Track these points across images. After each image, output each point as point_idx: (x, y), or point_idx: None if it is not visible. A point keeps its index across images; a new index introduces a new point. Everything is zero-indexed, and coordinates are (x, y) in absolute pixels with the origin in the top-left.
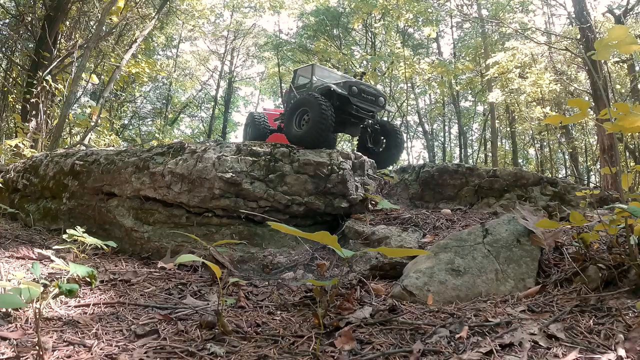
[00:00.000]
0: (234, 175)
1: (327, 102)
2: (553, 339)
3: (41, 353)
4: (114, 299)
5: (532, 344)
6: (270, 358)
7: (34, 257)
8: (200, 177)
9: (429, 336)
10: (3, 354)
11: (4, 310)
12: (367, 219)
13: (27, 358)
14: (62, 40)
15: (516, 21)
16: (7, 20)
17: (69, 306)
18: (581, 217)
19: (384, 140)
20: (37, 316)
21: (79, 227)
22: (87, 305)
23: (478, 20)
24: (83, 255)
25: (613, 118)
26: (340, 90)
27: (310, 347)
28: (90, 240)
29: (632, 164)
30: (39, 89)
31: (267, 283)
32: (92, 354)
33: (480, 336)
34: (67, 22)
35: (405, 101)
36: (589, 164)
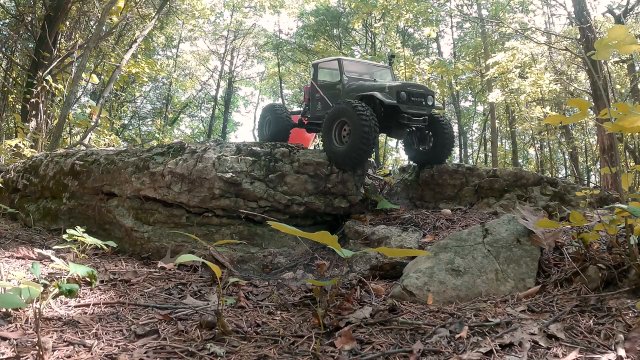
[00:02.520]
0: (234, 175)
1: (369, 110)
2: (553, 339)
3: (41, 353)
4: (114, 299)
5: (532, 344)
6: (270, 358)
7: (34, 257)
8: (200, 177)
9: (429, 336)
10: (3, 354)
11: (4, 310)
12: (367, 219)
13: (27, 358)
14: (62, 40)
15: (516, 21)
16: (7, 20)
17: (69, 306)
18: (581, 217)
19: (432, 138)
20: (37, 316)
21: (79, 227)
22: (87, 305)
23: (478, 20)
24: (83, 255)
25: (613, 118)
26: (388, 100)
27: (310, 347)
28: (90, 240)
29: (632, 164)
30: (39, 89)
31: (267, 283)
32: (92, 354)
33: (480, 336)
34: (67, 22)
35: None
36: (589, 164)
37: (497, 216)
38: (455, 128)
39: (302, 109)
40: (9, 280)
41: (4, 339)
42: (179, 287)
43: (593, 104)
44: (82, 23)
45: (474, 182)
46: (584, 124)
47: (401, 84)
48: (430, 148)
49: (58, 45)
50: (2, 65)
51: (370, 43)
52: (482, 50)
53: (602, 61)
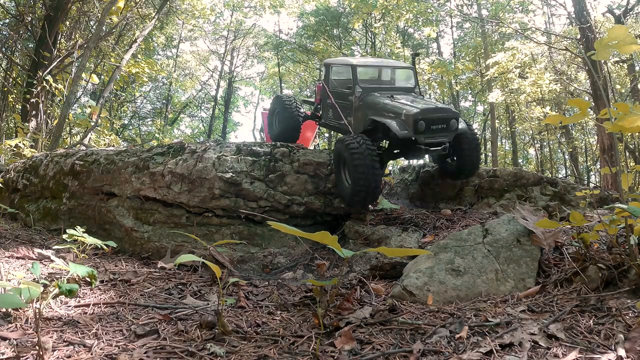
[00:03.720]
0: (234, 175)
1: (365, 145)
2: (553, 339)
3: (41, 353)
4: (114, 299)
5: (532, 344)
6: (270, 358)
7: (34, 257)
8: (200, 177)
9: (429, 336)
10: (3, 354)
11: (4, 310)
12: (367, 219)
13: (27, 358)
14: (62, 40)
15: (516, 21)
16: (7, 20)
17: (69, 306)
18: (581, 217)
19: (454, 151)
20: (37, 316)
21: (79, 227)
22: (87, 305)
23: (478, 20)
24: (83, 255)
25: (613, 118)
26: (402, 132)
27: (310, 347)
28: (90, 240)
29: (632, 164)
30: (39, 89)
31: (267, 283)
32: (92, 354)
33: (480, 336)
34: (67, 22)
35: None
36: (589, 164)
37: (497, 216)
38: None
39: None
40: (9, 280)
41: (4, 339)
42: (179, 287)
43: (593, 104)
44: (82, 23)
45: (474, 182)
46: (584, 124)
47: (421, 110)
48: (455, 163)
49: (58, 45)
50: (2, 65)
51: (370, 43)
52: (482, 50)
53: (602, 61)
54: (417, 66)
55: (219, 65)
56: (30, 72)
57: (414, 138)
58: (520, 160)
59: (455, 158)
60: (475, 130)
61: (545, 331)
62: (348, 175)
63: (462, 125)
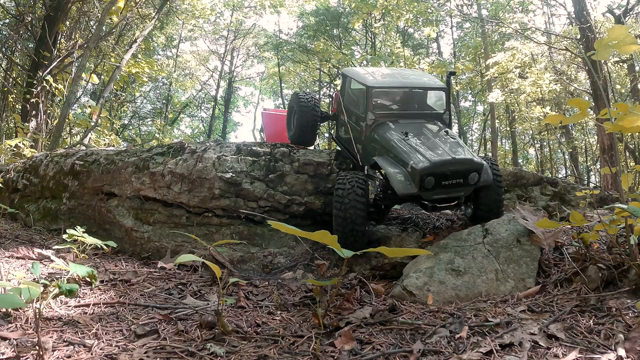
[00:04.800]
0: (234, 175)
1: (354, 193)
2: (553, 339)
3: (41, 353)
4: (114, 299)
5: (532, 344)
6: (270, 358)
7: (34, 257)
8: (200, 177)
9: (429, 336)
10: (3, 354)
11: (4, 310)
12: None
13: (27, 358)
14: (62, 40)
15: (516, 21)
16: (7, 20)
17: (69, 306)
18: (581, 217)
19: (472, 198)
20: (37, 316)
21: (79, 227)
22: (87, 305)
23: (478, 20)
24: (83, 255)
25: (613, 118)
26: (404, 190)
27: (310, 347)
28: (90, 240)
29: (632, 164)
30: (39, 89)
31: (267, 283)
32: (92, 354)
33: (480, 336)
34: (67, 22)
35: None
36: (589, 164)
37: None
38: (455, 128)
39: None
40: (9, 280)
41: (4, 339)
42: (179, 287)
43: (593, 104)
44: (82, 23)
45: None
46: (584, 124)
47: (431, 164)
48: (471, 209)
49: (58, 45)
50: (2, 65)
51: (370, 43)
52: (482, 50)
53: (602, 61)
54: (452, 85)
55: (219, 65)
56: (30, 72)
57: (419, 194)
58: (520, 160)
59: (472, 205)
60: (501, 179)
61: (545, 331)
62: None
63: (486, 177)
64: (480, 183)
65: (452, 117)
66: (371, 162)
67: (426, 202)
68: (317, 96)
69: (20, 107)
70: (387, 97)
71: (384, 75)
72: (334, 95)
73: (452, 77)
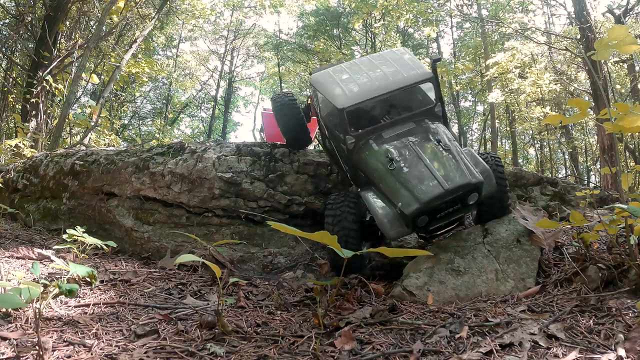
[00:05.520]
0: (234, 175)
1: (341, 216)
2: (553, 339)
3: (41, 353)
4: (114, 299)
5: (532, 344)
6: (270, 358)
7: (34, 257)
8: (200, 177)
9: (429, 336)
10: (3, 354)
11: (4, 310)
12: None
13: (27, 358)
14: (62, 40)
15: (516, 21)
16: (7, 20)
17: (69, 306)
18: (581, 217)
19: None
20: (37, 316)
21: (79, 227)
22: (87, 305)
23: (478, 20)
24: (83, 255)
25: (613, 118)
26: (394, 233)
27: (310, 347)
28: (90, 240)
29: (632, 164)
30: (39, 89)
31: (267, 283)
32: (92, 354)
33: (480, 336)
34: (67, 22)
35: None
36: (589, 164)
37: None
38: (455, 128)
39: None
40: (9, 280)
41: (4, 339)
42: (179, 287)
43: (593, 104)
44: (82, 23)
45: None
46: (584, 124)
47: (422, 205)
48: (476, 214)
49: (58, 45)
50: (2, 65)
51: (370, 43)
52: (482, 50)
53: (602, 61)
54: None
55: (219, 65)
56: (30, 72)
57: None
58: (520, 160)
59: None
60: (504, 175)
61: (545, 331)
62: None
63: (489, 187)
64: (481, 198)
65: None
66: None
67: (422, 235)
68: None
69: (20, 107)
70: (364, 110)
71: (355, 82)
72: (309, 101)
73: (437, 63)
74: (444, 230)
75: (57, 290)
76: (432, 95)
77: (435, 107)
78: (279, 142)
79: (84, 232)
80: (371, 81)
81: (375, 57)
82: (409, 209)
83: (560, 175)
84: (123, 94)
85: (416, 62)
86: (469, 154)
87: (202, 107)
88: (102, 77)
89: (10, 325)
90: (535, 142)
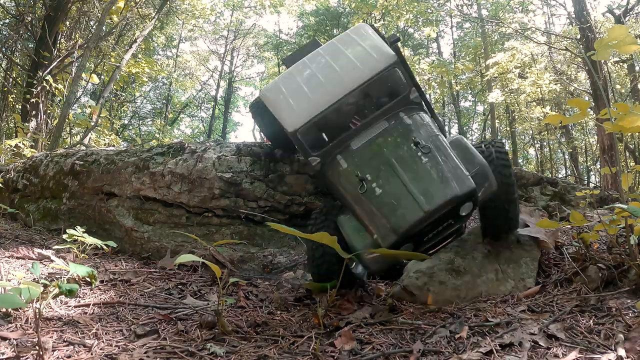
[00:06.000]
0: (234, 175)
1: (332, 261)
2: (553, 339)
3: (41, 353)
4: (114, 299)
5: (532, 344)
6: (270, 358)
7: (34, 257)
8: (200, 177)
9: (429, 336)
10: (3, 354)
11: (4, 310)
12: None
13: (27, 358)
14: (62, 40)
15: (516, 21)
16: (7, 20)
17: (69, 306)
18: (581, 217)
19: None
20: (37, 316)
21: (79, 227)
22: (87, 305)
23: (478, 20)
24: (83, 255)
25: (613, 118)
26: (378, 267)
27: (310, 347)
28: (90, 240)
29: (632, 164)
30: (39, 89)
31: (267, 283)
32: (92, 354)
33: (480, 336)
34: (67, 22)
35: None
36: (589, 164)
37: None
38: (456, 128)
39: None
40: (9, 280)
41: (4, 339)
42: (179, 287)
43: (593, 104)
44: (82, 23)
45: None
46: (584, 124)
47: (400, 235)
48: (481, 226)
49: (58, 45)
50: (2, 65)
51: None
52: (482, 50)
53: (602, 61)
54: (404, 55)
55: (219, 65)
56: (30, 72)
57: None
58: (520, 160)
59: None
60: (509, 171)
61: (545, 331)
62: None
63: (486, 188)
64: (478, 204)
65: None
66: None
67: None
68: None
69: (20, 107)
70: (325, 121)
71: (306, 91)
72: None
73: (396, 43)
74: (440, 246)
75: (57, 290)
76: (401, 82)
77: (410, 94)
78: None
79: (84, 232)
80: (323, 86)
81: (330, 48)
82: (386, 241)
83: (560, 175)
84: (123, 94)
85: (376, 44)
86: (460, 147)
87: (202, 107)
88: (102, 77)
89: (10, 325)
90: (535, 142)
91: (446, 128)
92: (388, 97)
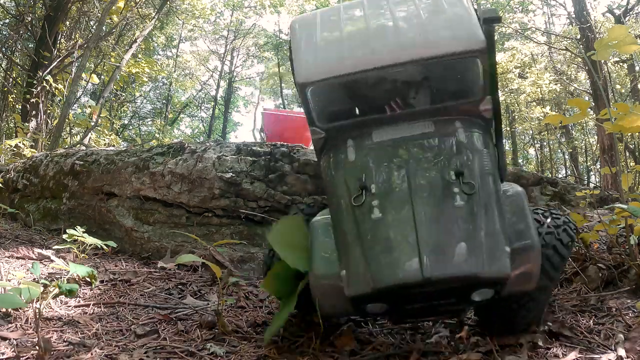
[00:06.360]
0: (234, 175)
1: None
2: (553, 339)
3: (41, 353)
4: (114, 299)
5: (532, 344)
6: (270, 358)
7: (34, 257)
8: (200, 177)
9: (429, 336)
10: (3, 354)
11: (4, 310)
12: None
13: (27, 358)
14: (62, 40)
15: (516, 21)
16: (7, 20)
17: (69, 306)
18: (581, 217)
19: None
20: (37, 316)
21: (79, 227)
22: (87, 305)
23: None
24: (83, 255)
25: (613, 118)
26: (326, 304)
27: (310, 347)
28: (90, 240)
29: (632, 164)
30: (39, 89)
31: None
32: (92, 354)
33: (480, 336)
34: (67, 22)
35: None
36: (589, 164)
37: None
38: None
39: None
40: (9, 280)
41: (4, 339)
42: (179, 287)
43: (593, 104)
44: (82, 23)
45: None
46: (584, 124)
47: (375, 290)
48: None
49: (58, 45)
50: (2, 65)
51: None
52: None
53: (602, 61)
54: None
55: (219, 65)
56: (30, 72)
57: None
58: (520, 160)
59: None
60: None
61: (545, 331)
62: None
63: (524, 284)
64: (502, 294)
65: (500, 124)
66: None
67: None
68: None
69: (20, 107)
70: (349, 89)
71: (342, 37)
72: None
73: (494, 26)
74: (428, 318)
75: (57, 290)
76: (476, 83)
77: (482, 104)
78: (279, 142)
79: (84, 232)
80: (368, 40)
81: None
82: (353, 289)
83: (560, 175)
84: (123, 94)
85: (464, 14)
86: (513, 205)
87: (202, 107)
88: (102, 77)
89: (10, 325)
90: (535, 142)
91: None
92: (450, 94)
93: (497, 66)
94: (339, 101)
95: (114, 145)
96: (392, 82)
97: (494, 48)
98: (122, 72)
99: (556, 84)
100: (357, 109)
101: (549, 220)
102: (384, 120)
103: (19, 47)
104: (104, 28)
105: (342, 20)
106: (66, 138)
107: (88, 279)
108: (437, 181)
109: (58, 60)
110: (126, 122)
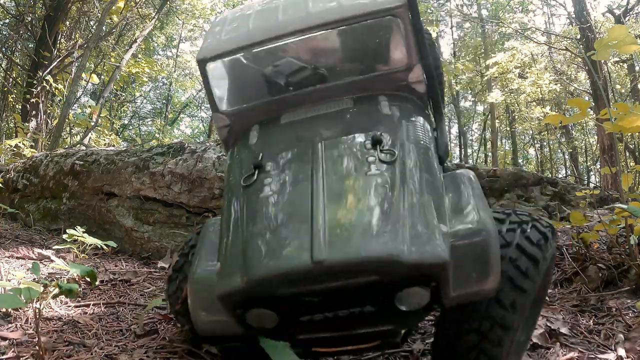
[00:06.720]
0: None
1: None
2: (553, 338)
3: (41, 353)
4: (114, 299)
5: (532, 343)
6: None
7: (34, 257)
8: (200, 177)
9: (429, 336)
10: (3, 353)
11: (4, 310)
12: None
13: (27, 358)
14: (62, 40)
15: (516, 21)
16: (7, 20)
17: (69, 306)
18: (581, 217)
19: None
20: (37, 316)
21: (79, 227)
22: (87, 305)
23: (478, 20)
24: (83, 255)
25: (613, 118)
26: (202, 319)
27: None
28: (90, 240)
29: (632, 164)
30: (39, 89)
31: None
32: (92, 354)
33: None
34: (67, 22)
35: None
36: (589, 164)
37: None
38: (455, 128)
39: None
40: (9, 280)
41: (4, 339)
42: None
43: (593, 104)
44: (82, 23)
45: None
46: (584, 124)
47: (251, 284)
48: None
49: (58, 45)
50: (2, 65)
51: None
52: (482, 50)
53: (602, 61)
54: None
55: None
56: (30, 72)
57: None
58: (520, 160)
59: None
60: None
61: (545, 331)
62: None
63: (475, 285)
64: (445, 301)
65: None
66: None
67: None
68: None
69: (20, 107)
70: (256, 66)
71: (250, 19)
72: None
73: None
74: (345, 348)
75: (57, 290)
76: (401, 48)
77: (411, 72)
78: None
79: (84, 232)
80: (276, 16)
81: None
82: (221, 285)
83: (560, 175)
84: (123, 94)
85: None
86: (459, 189)
87: (202, 107)
88: (102, 77)
89: (10, 325)
90: (535, 142)
91: (446, 128)
92: (371, 65)
93: (429, 34)
94: (244, 82)
95: (114, 145)
96: (304, 57)
97: (417, 9)
98: (122, 72)
99: (556, 84)
100: (264, 90)
101: (511, 217)
102: (295, 100)
103: (19, 47)
104: (104, 28)
105: (254, 12)
106: (66, 138)
107: (88, 279)
108: (349, 152)
109: (58, 60)
110: (126, 122)
